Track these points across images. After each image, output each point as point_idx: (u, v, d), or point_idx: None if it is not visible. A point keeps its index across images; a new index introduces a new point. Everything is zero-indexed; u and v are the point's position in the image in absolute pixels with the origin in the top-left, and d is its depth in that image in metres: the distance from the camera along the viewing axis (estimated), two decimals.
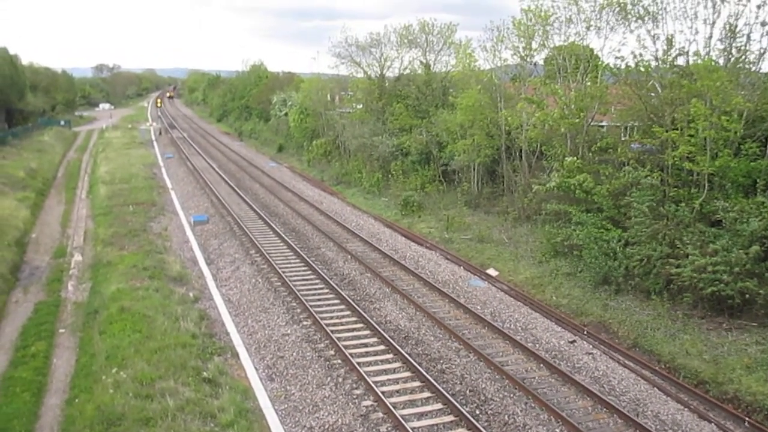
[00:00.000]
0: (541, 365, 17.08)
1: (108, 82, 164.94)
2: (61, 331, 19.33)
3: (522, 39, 31.81)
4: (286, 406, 14.95)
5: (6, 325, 19.84)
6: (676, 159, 22.23)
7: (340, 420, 14.19)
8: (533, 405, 15.02)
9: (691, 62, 23.47)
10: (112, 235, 28.29)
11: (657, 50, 24.29)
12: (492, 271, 25.70)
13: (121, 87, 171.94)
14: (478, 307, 21.18)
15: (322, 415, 14.42)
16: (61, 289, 22.90)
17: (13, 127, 67.99)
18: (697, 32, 23.36)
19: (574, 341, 18.96)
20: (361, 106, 50.45)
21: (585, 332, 20.08)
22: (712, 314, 19.75)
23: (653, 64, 24.42)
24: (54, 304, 21.53)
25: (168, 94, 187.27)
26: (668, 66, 24.04)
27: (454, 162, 35.79)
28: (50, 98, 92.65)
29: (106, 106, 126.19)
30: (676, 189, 22.53)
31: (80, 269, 25.02)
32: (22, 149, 56.11)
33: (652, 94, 25.12)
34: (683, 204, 21.69)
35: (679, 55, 23.85)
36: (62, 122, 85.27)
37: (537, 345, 18.47)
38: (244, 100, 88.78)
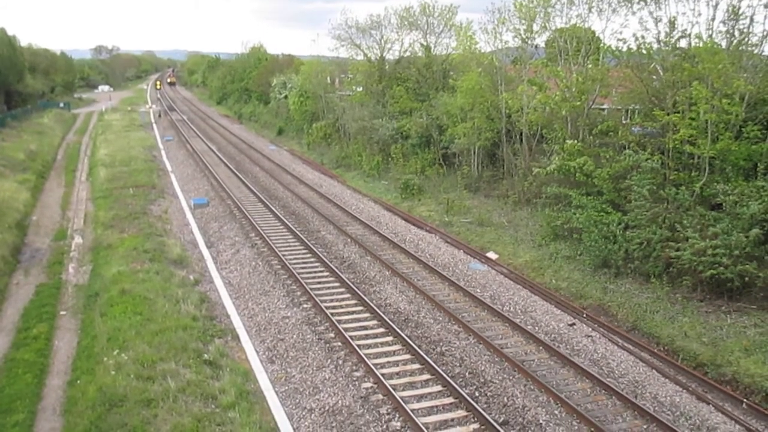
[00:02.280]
0: (541, 348, 17.16)
1: (107, 64, 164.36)
2: (63, 313, 19.40)
3: (523, 21, 31.64)
4: (286, 388, 15.04)
5: (8, 307, 19.91)
6: (676, 142, 22.19)
7: (340, 402, 14.27)
8: (532, 387, 15.10)
9: (693, 45, 23.33)
10: (113, 218, 28.31)
11: (659, 32, 24.15)
12: (492, 255, 25.74)
13: (120, 69, 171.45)
14: (478, 290, 21.24)
15: (323, 397, 14.50)
16: (61, 272, 22.95)
17: (12, 109, 67.78)
18: (699, 14, 23.23)
19: (574, 324, 19.02)
20: (361, 88, 50.25)
21: (584, 315, 20.15)
22: (711, 297, 19.82)
23: (655, 46, 24.28)
24: (55, 286, 21.58)
25: (168, 79, 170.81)
26: (670, 48, 23.88)
27: (455, 145, 35.70)
28: (49, 80, 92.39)
29: (106, 88, 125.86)
30: (676, 172, 22.51)
31: (81, 252, 25.05)
32: (22, 131, 56.00)
33: (654, 76, 25.04)
34: (683, 187, 21.67)
35: (682, 37, 23.69)
36: (61, 104, 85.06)
37: (536, 328, 18.54)
38: (244, 83, 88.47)
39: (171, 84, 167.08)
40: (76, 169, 44.03)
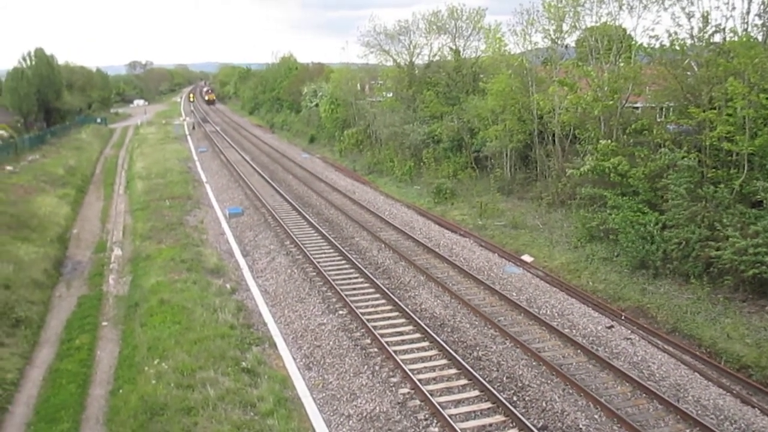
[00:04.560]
0: (579, 351, 16.96)
1: (141, 79, 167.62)
2: (104, 323, 19.82)
3: (553, 21, 31.38)
4: (324, 394, 15.12)
5: (51, 318, 20.44)
6: (713, 139, 21.75)
7: (377, 408, 14.30)
8: (571, 391, 14.93)
9: (727, 39, 22.91)
10: (150, 229, 28.83)
11: (692, 28, 23.75)
12: (527, 258, 25.53)
13: (154, 83, 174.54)
14: (514, 294, 21.09)
15: (360, 403, 14.55)
16: (102, 283, 23.46)
17: (51, 126, 69.57)
18: (734, 8, 22.76)
19: (612, 327, 18.75)
20: (391, 94, 50.36)
21: (623, 317, 19.85)
22: (754, 297, 19.36)
23: (688, 42, 23.87)
24: (96, 297, 22.09)
25: (206, 97, 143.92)
26: (704, 44, 23.47)
27: (486, 148, 35.54)
28: (86, 96, 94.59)
29: (140, 102, 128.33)
30: (714, 170, 22.05)
31: (120, 263, 25.58)
32: (61, 147, 57.47)
33: (688, 73, 24.57)
34: (722, 185, 21.23)
35: (716, 32, 23.27)
36: (98, 119, 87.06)
37: (574, 331, 18.32)
38: (275, 92, 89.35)
39: (210, 103, 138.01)
40: (113, 183, 45.00)
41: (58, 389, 15.72)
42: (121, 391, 15.17)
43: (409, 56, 49.31)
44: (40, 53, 69.88)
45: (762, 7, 22.24)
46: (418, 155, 42.18)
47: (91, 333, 19.03)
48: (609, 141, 25.71)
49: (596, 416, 13.91)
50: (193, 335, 17.07)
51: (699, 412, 14.19)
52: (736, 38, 22.28)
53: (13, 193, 33.94)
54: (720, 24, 23.09)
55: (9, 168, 43.27)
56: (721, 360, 17.15)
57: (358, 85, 57.44)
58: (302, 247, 25.86)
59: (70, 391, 15.61)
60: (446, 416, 13.55)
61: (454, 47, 45.16)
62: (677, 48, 23.92)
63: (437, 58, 47.90)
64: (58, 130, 67.56)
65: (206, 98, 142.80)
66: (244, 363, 15.82)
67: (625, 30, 29.08)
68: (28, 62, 68.55)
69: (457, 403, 14.46)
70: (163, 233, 28.02)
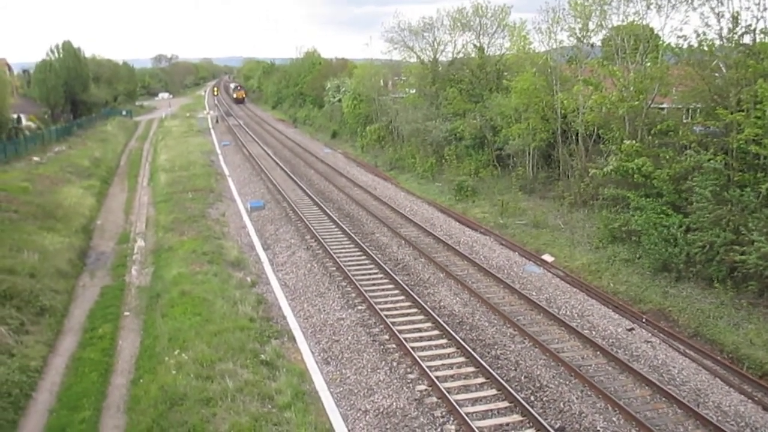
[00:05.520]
0: (598, 353, 16.83)
1: (166, 72, 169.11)
2: (126, 314, 20.07)
3: (578, 20, 31.13)
4: (341, 389, 15.18)
5: (75, 308, 20.73)
6: (741, 142, 21.40)
7: (394, 404, 14.33)
8: (589, 393, 14.83)
9: (758, 40, 22.50)
10: (173, 221, 29.11)
11: (721, 28, 23.34)
12: (547, 257, 25.38)
13: (179, 76, 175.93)
14: (533, 293, 20.98)
15: (377, 399, 14.58)
16: (125, 274, 23.75)
17: (77, 118, 70.55)
18: (765, 8, 22.31)
19: (632, 329, 18.58)
20: (414, 91, 50.30)
21: (644, 320, 19.66)
22: None
23: (717, 43, 23.50)
24: (119, 288, 22.37)
25: (235, 94, 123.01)
26: (733, 45, 23.08)
27: (509, 146, 35.37)
28: (112, 89, 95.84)
29: (165, 95, 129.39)
30: (741, 173, 21.71)
31: (143, 254, 25.87)
32: (87, 139, 58.29)
33: (716, 74, 24.21)
34: (748, 188, 20.89)
35: (746, 33, 22.87)
36: (124, 112, 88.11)
37: (593, 332, 18.19)
38: (298, 87, 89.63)
39: (238, 101, 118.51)
40: (138, 175, 45.51)
41: (80, 377, 15.96)
42: (141, 380, 15.35)
43: (433, 53, 49.23)
44: (67, 46, 70.87)
45: None
46: (439, 152, 42.11)
47: (113, 323, 19.29)
48: (633, 141, 25.45)
49: (614, 419, 13.80)
50: (213, 327, 17.22)
51: (719, 418, 14.02)
52: (767, 39, 21.88)
53: (40, 184, 34.46)
54: (750, 25, 22.70)
55: (36, 159, 44.00)
56: (743, 366, 16.91)
57: (381, 81, 57.43)
58: (322, 241, 25.95)
59: (92, 379, 15.85)
60: (463, 414, 13.54)
61: (478, 44, 44.97)
62: (705, 48, 23.58)
63: (461, 55, 47.75)
64: (85, 122, 68.53)
65: (234, 96, 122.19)
66: (262, 356, 15.93)
67: (652, 29, 28.73)
68: (56, 55, 69.62)
69: (474, 401, 14.45)
70: (185, 225, 28.27)
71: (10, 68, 69.62)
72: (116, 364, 16.77)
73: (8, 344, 16.36)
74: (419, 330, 18.08)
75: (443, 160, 41.21)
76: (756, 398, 15.16)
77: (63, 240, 25.66)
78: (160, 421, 13.10)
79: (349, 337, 17.75)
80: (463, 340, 17.22)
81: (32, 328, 17.92)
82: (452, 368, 15.91)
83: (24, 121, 56.87)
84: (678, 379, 15.68)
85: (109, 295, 21.65)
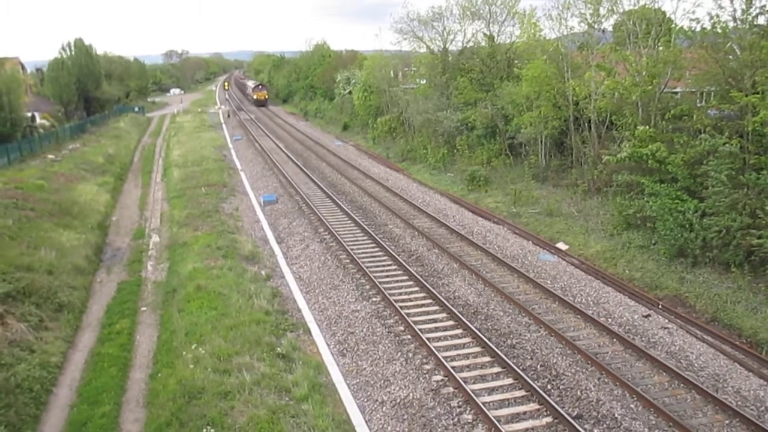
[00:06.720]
0: (614, 340, 16.76)
1: (177, 68, 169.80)
2: (143, 309, 20.24)
3: (589, 5, 30.83)
4: (357, 380, 15.24)
5: (93, 304, 20.94)
6: (756, 125, 21.17)
7: (411, 394, 14.36)
8: (606, 380, 14.79)
9: None
10: (187, 217, 29.27)
11: (735, 10, 23.05)
12: (562, 245, 25.27)
13: (190, 72, 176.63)
14: (548, 282, 20.91)
15: (394, 390, 14.63)
16: (141, 269, 23.93)
17: (91, 115, 70.97)
18: None
19: (649, 315, 18.48)
20: (424, 81, 50.14)
21: (660, 306, 19.55)
22: None
23: (731, 24, 23.22)
24: (135, 283, 22.54)
25: (255, 95, 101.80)
26: (748, 26, 22.79)
27: (521, 135, 35.19)
28: (124, 86, 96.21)
29: (177, 91, 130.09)
30: (757, 156, 21.47)
31: (158, 250, 26.05)
32: (100, 136, 58.63)
33: (730, 56, 23.91)
34: (765, 171, 20.67)
35: (760, 14, 22.58)
36: (136, 108, 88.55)
37: (609, 319, 18.12)
38: (309, 80, 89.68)
39: (259, 103, 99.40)
40: (151, 171, 45.75)
41: (99, 372, 16.13)
42: (160, 374, 15.50)
43: (443, 42, 48.97)
44: (79, 43, 71.19)
45: None
46: (451, 142, 41.99)
47: (130, 318, 19.47)
48: (647, 127, 25.24)
49: (632, 405, 13.76)
50: (229, 321, 17.34)
51: (739, 402, 13.94)
52: None
53: (55, 181, 34.74)
54: (765, 5, 22.41)
55: (51, 156, 44.33)
56: (762, 350, 16.79)
57: (392, 72, 57.29)
58: (336, 234, 26.00)
59: (111, 374, 16.01)
60: (480, 404, 13.55)
61: (488, 33, 44.67)
62: (719, 31, 23.29)
63: (471, 44, 47.49)
64: (98, 119, 68.93)
65: (255, 97, 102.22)
66: (279, 349, 16.02)
67: (664, 13, 28.44)
68: (68, 53, 69.94)
69: (491, 390, 14.45)
70: (199, 220, 28.42)
71: (23, 67, 69.95)
72: (134, 359, 16.93)
73: (28, 340, 16.56)
74: (434, 321, 18.08)
75: (455, 150, 41.11)
76: None
77: (79, 237, 25.88)
78: (179, 414, 13.23)
79: (365, 329, 17.80)
80: (479, 329, 17.21)
81: (51, 324, 18.12)
82: (468, 358, 15.92)
83: (38, 120, 57.29)
84: (696, 365, 15.60)
85: (125, 291, 21.83)
